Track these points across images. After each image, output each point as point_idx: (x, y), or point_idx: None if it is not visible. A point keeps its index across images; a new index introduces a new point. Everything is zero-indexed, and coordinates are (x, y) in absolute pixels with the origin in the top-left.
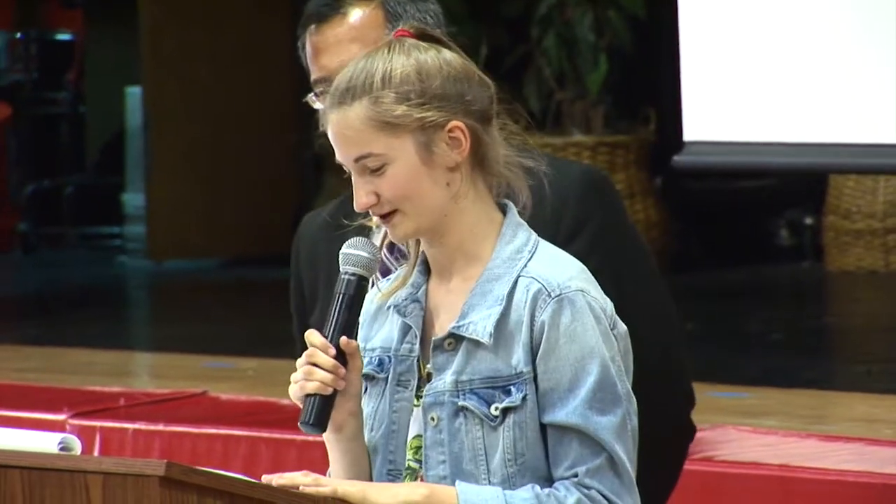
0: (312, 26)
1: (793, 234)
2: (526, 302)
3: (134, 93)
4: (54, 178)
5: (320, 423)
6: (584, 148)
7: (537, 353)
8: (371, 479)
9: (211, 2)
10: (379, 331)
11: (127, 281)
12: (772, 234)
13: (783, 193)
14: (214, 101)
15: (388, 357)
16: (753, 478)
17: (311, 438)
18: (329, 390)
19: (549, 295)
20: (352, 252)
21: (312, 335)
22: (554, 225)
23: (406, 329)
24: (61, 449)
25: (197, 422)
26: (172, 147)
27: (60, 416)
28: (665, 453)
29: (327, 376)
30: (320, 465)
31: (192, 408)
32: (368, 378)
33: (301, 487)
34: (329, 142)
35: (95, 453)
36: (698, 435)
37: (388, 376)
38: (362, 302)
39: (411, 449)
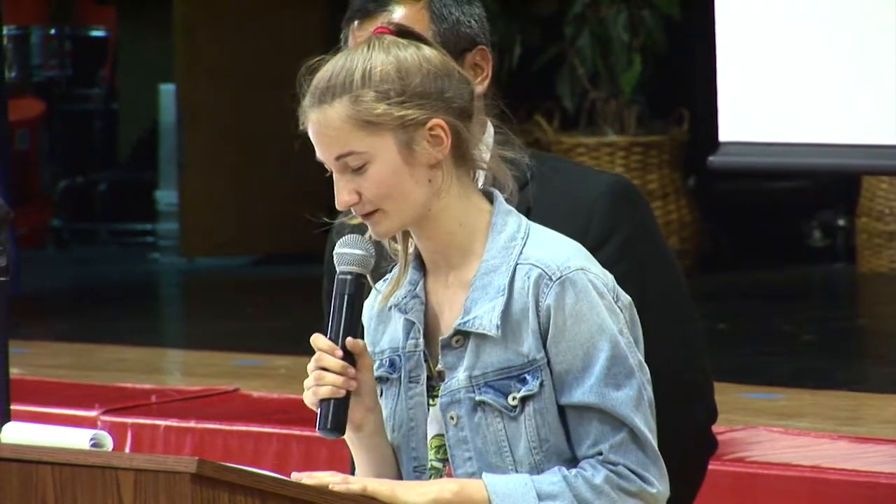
0: (356, 22)
1: (825, 236)
2: (528, 289)
3: (167, 90)
4: (87, 174)
5: (337, 427)
6: (618, 148)
7: (547, 338)
8: (400, 477)
9: None
10: (385, 333)
11: (159, 278)
12: (804, 236)
13: (816, 195)
14: (247, 98)
15: (398, 356)
16: (785, 479)
17: None
18: (341, 393)
19: (551, 279)
20: (346, 251)
21: (317, 339)
22: (581, 235)
23: (409, 326)
24: (93, 445)
25: (228, 419)
26: (205, 144)
27: (92, 413)
28: (684, 467)
29: (338, 379)
30: (350, 463)
31: (224, 405)
32: (383, 380)
33: (330, 486)
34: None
35: (127, 450)
36: (729, 435)
37: (400, 375)
38: (363, 300)
39: (432, 448)
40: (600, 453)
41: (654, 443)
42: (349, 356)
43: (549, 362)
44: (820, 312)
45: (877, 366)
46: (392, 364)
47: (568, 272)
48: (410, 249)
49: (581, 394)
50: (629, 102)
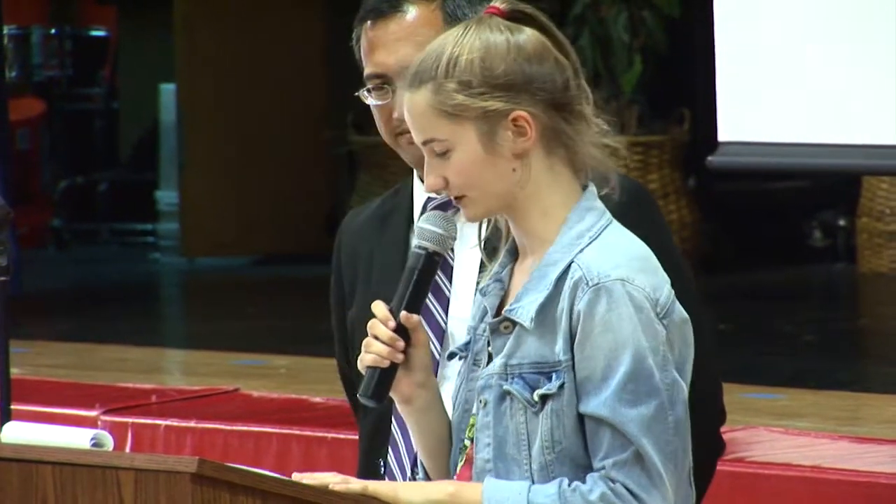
0: (369, 22)
1: (826, 236)
2: (568, 289)
3: (168, 89)
4: (88, 174)
5: (376, 396)
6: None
7: (574, 342)
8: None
9: None
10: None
11: (160, 278)
12: (805, 236)
13: (816, 195)
14: (248, 98)
15: (472, 337)
16: (785, 479)
17: (342, 436)
18: (385, 363)
19: (588, 284)
20: (425, 227)
21: (377, 306)
22: None
23: (485, 309)
24: (93, 445)
25: (229, 419)
26: (206, 144)
27: (92, 413)
28: (694, 468)
29: (383, 349)
30: (351, 463)
31: (224, 405)
32: (459, 357)
33: (331, 486)
34: (361, 139)
35: (127, 450)
36: (730, 435)
37: (468, 355)
38: (432, 277)
39: (469, 425)
40: (604, 468)
41: (667, 467)
42: (404, 330)
43: (574, 367)
44: (820, 313)
45: (877, 366)
46: (468, 343)
47: (606, 280)
48: (509, 231)
49: (595, 405)
50: (629, 102)
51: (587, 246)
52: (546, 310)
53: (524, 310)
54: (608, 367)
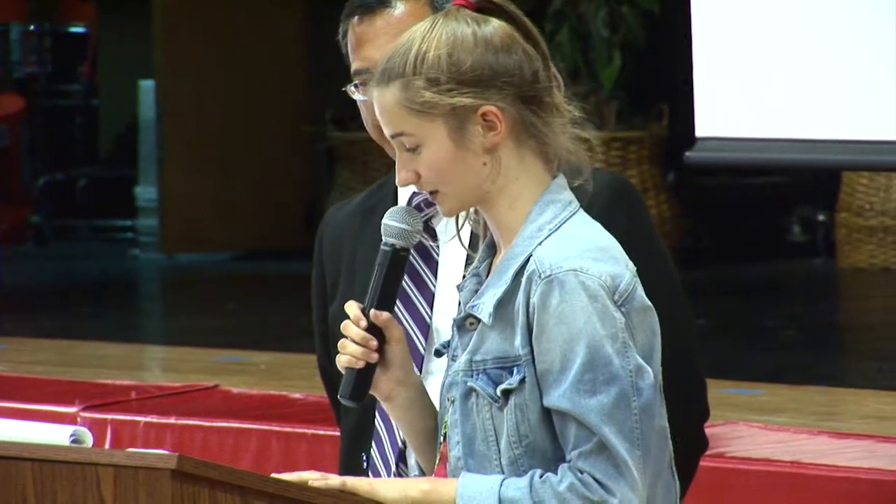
0: (356, 17)
1: (805, 231)
2: (524, 283)
3: (147, 86)
4: (67, 170)
5: (355, 397)
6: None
7: (532, 336)
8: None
9: None
10: None
11: (139, 274)
12: (784, 231)
13: (796, 190)
14: (227, 94)
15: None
16: (764, 474)
17: (321, 432)
18: (360, 363)
19: (540, 276)
20: (388, 223)
21: (349, 306)
22: None
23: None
24: (73, 441)
25: (208, 415)
26: (185, 140)
27: (72, 409)
28: (676, 465)
29: (357, 349)
30: (330, 460)
31: (204, 401)
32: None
33: (310, 482)
34: (340, 135)
35: (107, 446)
36: (710, 431)
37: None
38: (401, 272)
39: (444, 423)
40: (572, 459)
41: (633, 453)
42: (376, 328)
43: (534, 361)
44: (800, 308)
45: (856, 361)
46: (450, 340)
47: (558, 272)
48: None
49: (556, 398)
50: (609, 98)
51: (546, 238)
52: (504, 304)
53: (484, 305)
54: (564, 358)
